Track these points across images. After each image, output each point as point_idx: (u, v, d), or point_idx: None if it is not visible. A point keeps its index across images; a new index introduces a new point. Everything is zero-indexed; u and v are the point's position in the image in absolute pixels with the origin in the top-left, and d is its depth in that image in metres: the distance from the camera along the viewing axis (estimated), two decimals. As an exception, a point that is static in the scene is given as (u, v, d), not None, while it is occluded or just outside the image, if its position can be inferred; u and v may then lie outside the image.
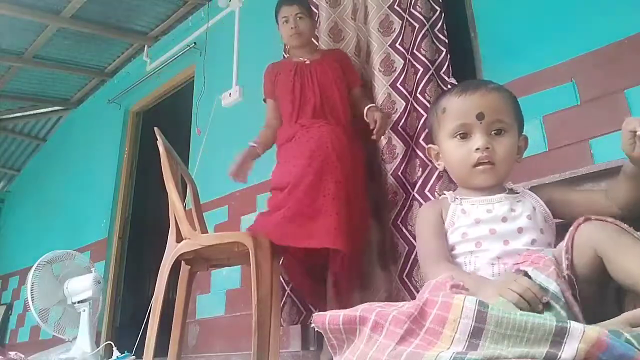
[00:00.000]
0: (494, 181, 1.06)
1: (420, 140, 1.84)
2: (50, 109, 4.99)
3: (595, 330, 0.58)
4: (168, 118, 4.02)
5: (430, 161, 1.54)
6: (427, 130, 1.74)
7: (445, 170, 1.17)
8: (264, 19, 3.12)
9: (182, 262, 1.81)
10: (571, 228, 0.88)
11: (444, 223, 1.08)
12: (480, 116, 1.03)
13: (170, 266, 1.70)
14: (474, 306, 0.62)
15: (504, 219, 1.02)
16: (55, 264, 2.68)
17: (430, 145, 1.19)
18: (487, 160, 1.03)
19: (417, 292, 1.65)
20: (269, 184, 2.69)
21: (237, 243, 1.57)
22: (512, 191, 1.10)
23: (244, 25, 3.26)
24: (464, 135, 1.05)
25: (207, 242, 1.61)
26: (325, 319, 0.75)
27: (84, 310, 2.56)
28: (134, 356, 2.40)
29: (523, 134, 1.14)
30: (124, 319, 3.72)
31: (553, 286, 0.79)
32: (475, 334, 0.61)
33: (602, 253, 0.83)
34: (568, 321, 0.59)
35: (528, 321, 0.59)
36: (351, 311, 0.73)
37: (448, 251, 1.05)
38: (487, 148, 1.03)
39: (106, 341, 2.50)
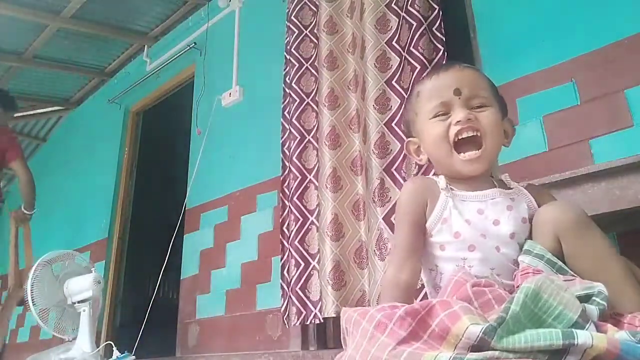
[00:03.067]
0: (484, 167, 0.97)
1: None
2: (50, 109, 4.99)
3: (603, 341, 0.57)
4: (168, 118, 4.03)
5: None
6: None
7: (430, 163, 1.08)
8: (264, 19, 3.13)
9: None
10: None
11: (425, 214, 0.98)
12: (457, 92, 0.97)
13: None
14: (479, 333, 0.60)
15: (496, 222, 0.94)
16: (55, 264, 2.68)
17: (409, 138, 1.09)
18: (471, 132, 0.95)
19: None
20: (269, 183, 2.71)
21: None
22: (503, 184, 1.01)
23: (244, 25, 3.26)
24: (444, 114, 0.98)
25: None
26: (354, 313, 0.73)
27: (84, 310, 2.56)
28: (134, 356, 2.40)
29: (508, 117, 1.06)
30: (124, 319, 3.72)
31: None
32: (477, 349, 0.60)
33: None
34: (575, 333, 0.58)
35: (534, 346, 0.58)
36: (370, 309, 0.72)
37: (417, 249, 0.97)
38: (469, 119, 0.95)
39: (106, 341, 2.49)
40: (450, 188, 0.99)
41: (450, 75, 1.00)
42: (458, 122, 0.96)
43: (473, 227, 0.94)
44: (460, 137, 0.96)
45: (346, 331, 0.75)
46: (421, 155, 1.07)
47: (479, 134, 0.96)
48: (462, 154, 0.96)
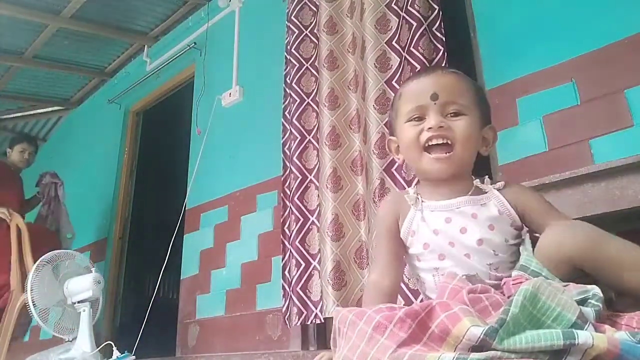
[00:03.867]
0: (451, 169, 0.97)
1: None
2: (50, 109, 4.99)
3: (604, 340, 0.57)
4: (168, 118, 4.03)
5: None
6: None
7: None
8: (264, 19, 3.13)
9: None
10: None
11: (398, 227, 1.02)
12: (434, 97, 0.97)
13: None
14: (480, 334, 0.60)
15: (463, 230, 0.94)
16: (55, 264, 2.68)
17: (390, 137, 1.11)
18: (441, 140, 0.96)
19: (408, 288, 1.66)
20: (269, 183, 2.71)
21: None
22: (477, 189, 1.00)
23: (244, 25, 3.26)
24: (419, 119, 0.99)
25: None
26: (350, 314, 0.73)
27: (84, 310, 2.56)
28: (134, 356, 2.40)
29: (491, 125, 1.05)
30: (124, 319, 3.72)
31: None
32: (478, 350, 0.60)
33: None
34: (576, 333, 0.58)
35: (535, 346, 0.58)
36: (366, 310, 0.72)
37: (397, 258, 1.02)
38: (441, 127, 0.95)
39: (106, 341, 2.49)
40: (422, 200, 1.01)
41: (430, 79, 1.01)
42: (430, 128, 0.97)
43: (441, 236, 0.95)
44: (430, 143, 0.97)
45: (338, 331, 0.74)
46: (400, 154, 1.08)
47: (449, 142, 0.96)
48: (431, 153, 0.98)
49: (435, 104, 0.98)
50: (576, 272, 0.83)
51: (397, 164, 1.87)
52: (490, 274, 0.92)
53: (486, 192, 0.99)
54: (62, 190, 3.63)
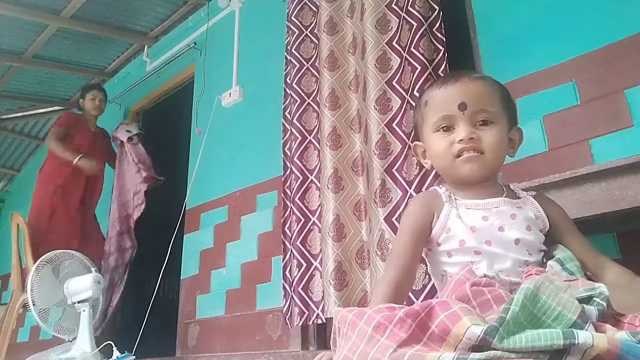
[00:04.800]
0: (481, 172, 0.98)
1: (418, 139, 1.85)
2: (50, 109, 4.99)
3: (604, 340, 0.57)
4: (168, 118, 4.03)
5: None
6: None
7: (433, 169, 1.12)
8: (264, 19, 3.13)
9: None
10: None
11: (431, 225, 1.01)
12: (462, 106, 0.97)
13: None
14: (480, 333, 0.60)
15: (501, 229, 0.95)
16: (55, 264, 2.68)
17: (415, 142, 1.12)
18: (472, 152, 0.96)
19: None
20: (269, 183, 2.71)
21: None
22: (511, 193, 1.03)
23: (244, 25, 3.26)
24: (447, 128, 0.99)
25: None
26: (350, 314, 0.72)
27: (84, 310, 2.56)
28: (134, 356, 2.40)
29: (517, 126, 1.06)
30: (124, 319, 3.72)
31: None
32: (478, 350, 0.60)
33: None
34: (576, 333, 0.58)
35: (535, 346, 0.58)
36: (367, 310, 0.72)
37: (417, 260, 1.01)
38: (472, 138, 0.96)
39: (106, 341, 2.49)
40: (455, 198, 1.01)
41: (457, 87, 1.00)
42: (460, 140, 0.97)
43: (478, 233, 0.95)
44: (461, 155, 0.98)
45: (338, 332, 0.74)
46: (427, 160, 1.09)
47: (478, 152, 0.97)
48: (459, 157, 0.98)
49: (464, 113, 0.97)
50: None
51: (397, 165, 1.87)
52: (522, 275, 0.92)
53: (520, 197, 1.02)
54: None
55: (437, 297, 1.06)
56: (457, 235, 0.97)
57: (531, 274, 0.84)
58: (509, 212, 0.97)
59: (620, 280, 0.91)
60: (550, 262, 0.91)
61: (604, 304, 0.70)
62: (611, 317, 0.73)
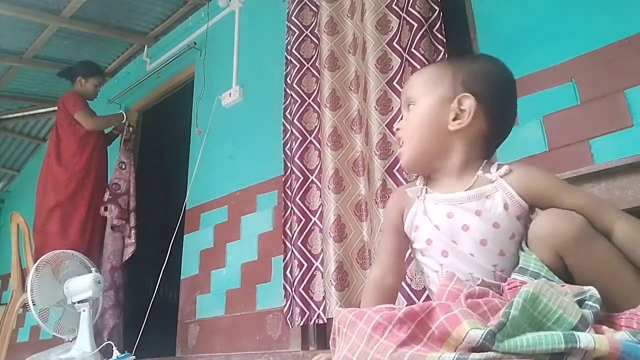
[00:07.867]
0: (405, 164, 1.03)
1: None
2: (50, 109, 4.98)
3: (605, 342, 0.57)
4: (168, 118, 4.02)
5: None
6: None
7: None
8: (264, 19, 3.13)
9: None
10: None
11: (402, 222, 1.01)
12: (405, 101, 1.05)
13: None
14: (479, 338, 0.59)
15: (465, 227, 0.90)
16: (55, 264, 2.68)
17: None
18: (400, 143, 1.03)
19: (410, 288, 1.65)
20: (269, 183, 2.71)
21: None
22: (483, 180, 0.93)
23: (244, 25, 3.26)
24: None
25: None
26: (349, 314, 0.73)
27: (84, 310, 2.56)
28: (134, 356, 2.40)
29: (463, 94, 0.94)
30: (124, 319, 3.72)
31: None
32: (477, 352, 0.60)
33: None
34: (577, 335, 0.58)
35: (537, 349, 0.58)
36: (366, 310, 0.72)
37: (400, 256, 1.03)
38: (398, 129, 1.05)
39: (106, 341, 2.50)
40: (427, 192, 1.00)
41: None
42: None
43: (443, 232, 0.93)
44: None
45: (338, 332, 0.74)
46: None
47: (402, 142, 1.03)
48: None
49: (407, 107, 1.04)
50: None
51: (398, 165, 1.87)
52: (496, 274, 0.90)
53: (493, 182, 0.92)
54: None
55: (427, 291, 1.07)
56: (424, 235, 0.96)
57: (517, 287, 0.80)
58: (474, 208, 0.91)
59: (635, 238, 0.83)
60: (512, 276, 0.86)
61: (597, 306, 0.70)
62: (605, 319, 0.73)
